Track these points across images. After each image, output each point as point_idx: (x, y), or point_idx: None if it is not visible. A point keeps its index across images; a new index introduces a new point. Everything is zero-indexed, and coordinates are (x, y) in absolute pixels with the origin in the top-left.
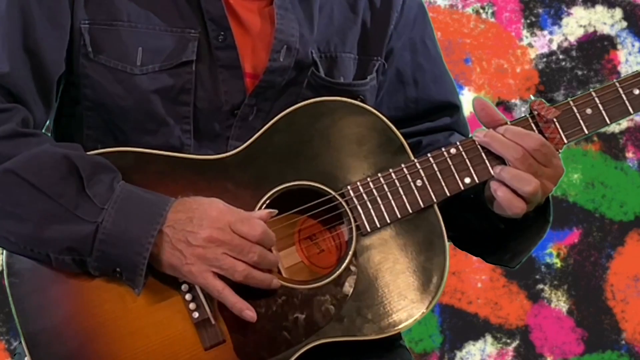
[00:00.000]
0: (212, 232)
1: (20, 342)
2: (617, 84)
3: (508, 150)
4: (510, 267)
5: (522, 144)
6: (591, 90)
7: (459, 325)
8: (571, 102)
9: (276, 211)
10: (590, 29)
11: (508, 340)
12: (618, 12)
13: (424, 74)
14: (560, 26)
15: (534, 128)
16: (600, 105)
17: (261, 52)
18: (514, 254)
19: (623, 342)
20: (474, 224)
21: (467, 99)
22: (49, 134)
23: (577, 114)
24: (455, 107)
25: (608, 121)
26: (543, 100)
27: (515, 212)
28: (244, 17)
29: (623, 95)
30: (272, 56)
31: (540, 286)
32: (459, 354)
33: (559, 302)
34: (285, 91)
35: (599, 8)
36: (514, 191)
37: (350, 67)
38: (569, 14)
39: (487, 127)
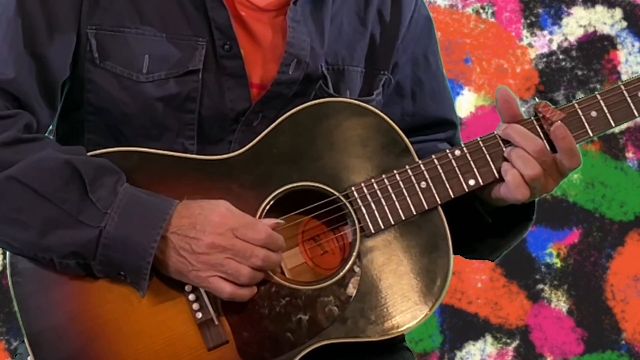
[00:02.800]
0: (215, 238)
1: (23, 342)
2: (622, 87)
3: (528, 142)
4: (490, 260)
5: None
6: (596, 93)
7: (459, 325)
8: (576, 105)
9: (283, 222)
10: (590, 29)
11: (508, 340)
12: (618, 12)
13: (423, 89)
14: (560, 26)
15: (539, 130)
16: (605, 108)
17: (271, 64)
18: (495, 249)
19: (623, 342)
20: (461, 219)
21: (467, 99)
22: (52, 137)
23: (582, 117)
24: (452, 124)
25: (613, 124)
26: (548, 102)
27: (518, 197)
28: (254, 29)
29: (628, 98)
30: (281, 69)
31: (540, 286)
32: (459, 354)
33: (559, 302)
34: (292, 102)
35: (599, 8)
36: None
37: (357, 81)
38: (569, 14)
39: (505, 119)
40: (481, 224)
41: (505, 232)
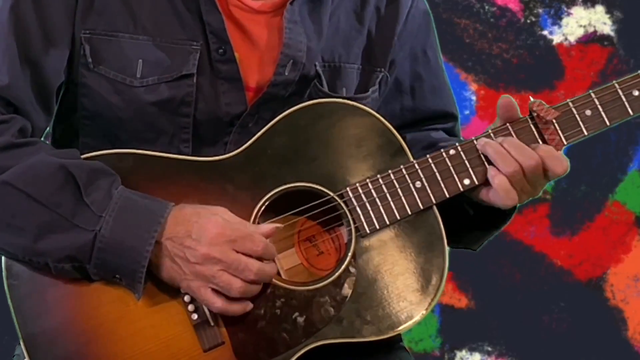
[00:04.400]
0: (210, 249)
1: (19, 344)
2: (617, 85)
3: (504, 162)
4: (473, 250)
5: (519, 160)
6: (590, 91)
7: (459, 325)
8: (570, 104)
9: (282, 226)
10: (590, 29)
11: None
12: (618, 12)
13: (422, 84)
14: (560, 26)
15: (533, 129)
16: (599, 107)
17: (267, 66)
18: (478, 239)
19: (623, 342)
20: (444, 210)
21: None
22: (47, 141)
23: (577, 115)
24: (452, 116)
25: (607, 123)
26: (542, 101)
27: (508, 203)
28: (250, 31)
29: (622, 97)
30: (277, 70)
31: None
32: (459, 354)
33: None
34: (288, 102)
35: (599, 8)
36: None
37: (354, 78)
38: (569, 14)
39: (501, 122)
40: (463, 215)
41: (488, 224)
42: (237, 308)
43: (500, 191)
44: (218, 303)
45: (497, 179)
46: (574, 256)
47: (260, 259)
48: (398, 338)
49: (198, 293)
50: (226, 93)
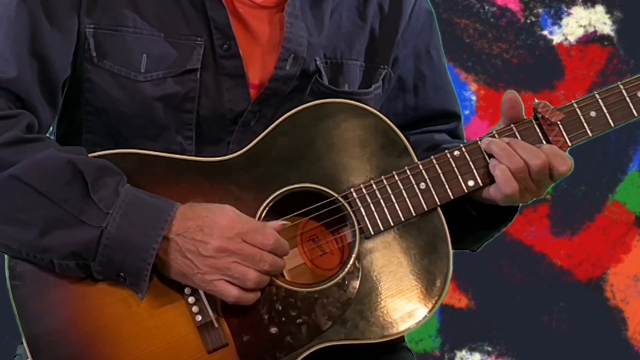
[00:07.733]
0: (222, 242)
1: (21, 344)
2: (621, 87)
3: (509, 159)
4: (472, 250)
5: (525, 157)
6: (595, 93)
7: (459, 325)
8: (575, 105)
9: (289, 223)
10: (590, 29)
11: None
12: (618, 12)
13: (425, 83)
14: (560, 26)
15: (538, 130)
16: (604, 108)
17: (268, 62)
18: (478, 239)
19: (623, 342)
20: (447, 212)
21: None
22: (52, 137)
23: (581, 117)
24: (455, 116)
25: (612, 124)
26: (547, 103)
27: (508, 191)
28: (253, 26)
29: (627, 98)
30: (278, 64)
31: None
32: (459, 354)
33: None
34: (289, 98)
35: (599, 8)
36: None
37: (356, 75)
38: (569, 14)
39: (506, 121)
40: (465, 216)
41: (490, 224)
42: (251, 297)
43: (501, 180)
44: (234, 292)
45: (498, 168)
46: (574, 256)
47: (272, 252)
48: (401, 338)
49: (212, 285)
50: (230, 89)
